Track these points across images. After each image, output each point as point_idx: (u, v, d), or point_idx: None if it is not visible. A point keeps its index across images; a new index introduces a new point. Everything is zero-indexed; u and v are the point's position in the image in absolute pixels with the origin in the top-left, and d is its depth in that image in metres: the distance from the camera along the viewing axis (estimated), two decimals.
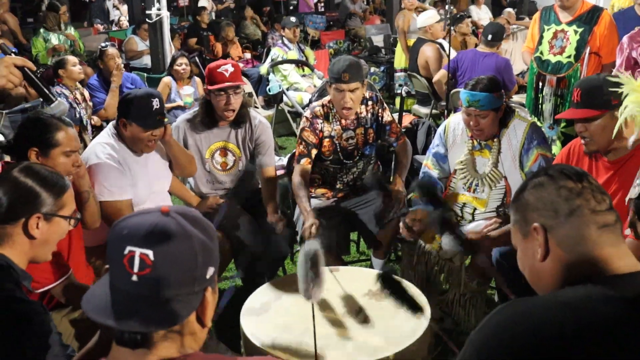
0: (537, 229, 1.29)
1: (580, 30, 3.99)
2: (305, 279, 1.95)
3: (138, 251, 1.12)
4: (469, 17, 7.57)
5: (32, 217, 1.76)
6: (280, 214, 3.14)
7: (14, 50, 2.09)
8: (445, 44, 5.59)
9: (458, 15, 6.91)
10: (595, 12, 4.01)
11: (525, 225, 1.32)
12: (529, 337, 1.08)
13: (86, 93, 5.21)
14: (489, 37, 5.48)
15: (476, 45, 5.95)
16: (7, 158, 2.49)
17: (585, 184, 1.28)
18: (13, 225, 1.75)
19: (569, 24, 4.04)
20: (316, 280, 1.93)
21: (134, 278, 1.12)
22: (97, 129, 5.11)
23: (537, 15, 4.31)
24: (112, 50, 5.59)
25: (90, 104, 5.24)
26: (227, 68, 3.09)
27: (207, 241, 1.18)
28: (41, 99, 4.87)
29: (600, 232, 1.24)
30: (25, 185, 1.78)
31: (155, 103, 2.79)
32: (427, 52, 6.13)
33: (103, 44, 5.85)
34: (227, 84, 3.08)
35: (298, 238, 3.27)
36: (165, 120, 2.87)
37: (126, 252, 1.12)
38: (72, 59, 5.05)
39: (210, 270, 1.19)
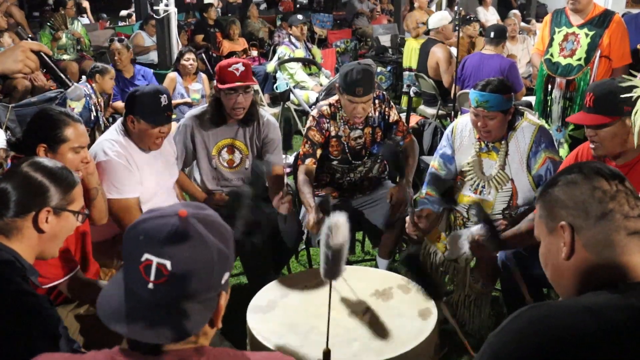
0: (565, 227, 1.25)
1: (591, 33, 3.98)
2: (326, 258, 1.83)
3: (155, 260, 1.10)
4: (477, 20, 7.55)
5: (42, 211, 1.76)
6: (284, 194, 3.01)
7: (30, 36, 2.08)
8: (455, 50, 5.60)
9: (467, 17, 6.90)
10: (606, 16, 3.99)
11: (552, 222, 1.28)
12: (550, 342, 1.06)
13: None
14: (492, 34, 5.50)
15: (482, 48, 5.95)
16: (12, 153, 2.49)
17: (621, 187, 1.24)
18: (23, 219, 1.75)
19: (580, 27, 4.03)
20: (336, 260, 1.82)
21: (150, 286, 1.10)
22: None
23: (548, 18, 4.30)
24: (117, 45, 5.71)
25: (112, 103, 5.34)
26: (238, 67, 3.09)
27: (224, 248, 1.16)
28: (47, 94, 4.93)
29: (630, 239, 1.21)
30: (35, 179, 1.78)
31: (164, 99, 2.79)
32: (437, 54, 6.12)
33: (110, 39, 5.96)
34: (237, 83, 3.07)
35: (304, 237, 3.28)
36: (174, 116, 2.86)
37: (143, 259, 1.11)
38: (113, 72, 5.17)
39: (226, 276, 1.18)
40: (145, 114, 2.78)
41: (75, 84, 2.17)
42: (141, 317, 1.11)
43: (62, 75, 2.07)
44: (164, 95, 2.80)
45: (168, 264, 1.10)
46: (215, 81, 3.19)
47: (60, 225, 1.81)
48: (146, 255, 1.11)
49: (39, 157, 1.95)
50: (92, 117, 4.83)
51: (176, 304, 1.11)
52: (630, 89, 2.06)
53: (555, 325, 1.09)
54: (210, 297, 1.15)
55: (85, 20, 11.66)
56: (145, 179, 2.88)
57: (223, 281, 1.17)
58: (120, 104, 5.46)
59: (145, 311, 1.11)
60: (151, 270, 1.10)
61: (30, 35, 2.16)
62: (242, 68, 3.10)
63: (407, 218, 2.90)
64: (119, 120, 2.95)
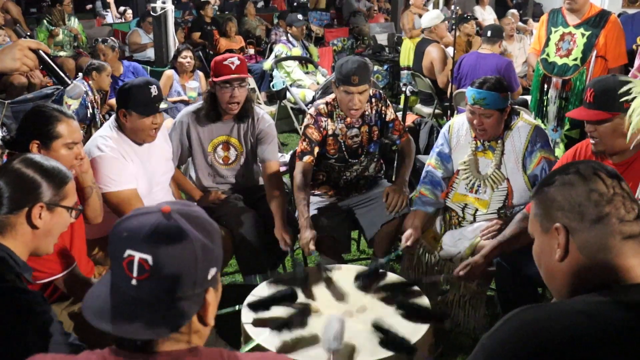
0: (559, 229, 1.24)
1: (587, 33, 3.98)
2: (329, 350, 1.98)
3: (137, 255, 1.10)
4: (475, 18, 7.55)
5: (35, 207, 1.76)
6: (287, 226, 3.05)
7: (28, 34, 2.07)
8: (451, 50, 5.60)
9: (465, 16, 6.91)
10: (603, 16, 4.00)
11: (547, 222, 1.27)
12: (544, 344, 1.06)
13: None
14: (488, 33, 5.50)
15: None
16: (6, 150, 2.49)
17: (618, 190, 1.23)
18: (16, 215, 1.75)
19: (577, 26, 4.03)
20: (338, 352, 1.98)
21: (134, 282, 1.11)
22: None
23: (544, 17, 4.30)
24: (101, 47, 5.74)
25: (108, 101, 5.34)
26: (234, 61, 3.09)
27: (208, 243, 1.16)
28: (43, 90, 4.92)
29: (624, 242, 1.20)
30: (27, 175, 1.78)
31: (154, 90, 2.79)
32: (432, 53, 6.12)
33: (96, 40, 6.03)
34: (232, 76, 3.07)
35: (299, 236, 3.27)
36: (165, 106, 2.88)
37: (125, 255, 1.11)
38: (109, 68, 5.18)
39: (212, 272, 1.17)
40: (137, 105, 2.78)
41: (75, 82, 2.17)
42: (125, 314, 1.11)
43: (61, 73, 2.07)
44: (154, 86, 2.81)
45: (149, 258, 1.10)
46: (210, 77, 3.19)
47: (53, 221, 1.81)
48: (128, 251, 1.11)
49: (31, 154, 1.95)
50: (89, 115, 4.82)
51: (160, 299, 1.11)
52: (629, 86, 2.05)
53: (550, 328, 1.08)
54: (196, 293, 1.15)
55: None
56: (140, 173, 2.87)
57: (210, 277, 1.17)
58: (113, 101, 5.47)
59: (130, 307, 1.12)
60: (134, 266, 1.11)
61: (28, 33, 2.16)
62: (237, 62, 3.11)
63: (406, 220, 2.92)
64: (113, 116, 2.95)
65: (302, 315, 2.23)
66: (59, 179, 1.84)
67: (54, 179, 1.82)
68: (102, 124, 4.93)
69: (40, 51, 1.95)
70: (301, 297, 2.39)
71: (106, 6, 12.35)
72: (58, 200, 1.82)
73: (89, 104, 4.89)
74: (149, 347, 1.14)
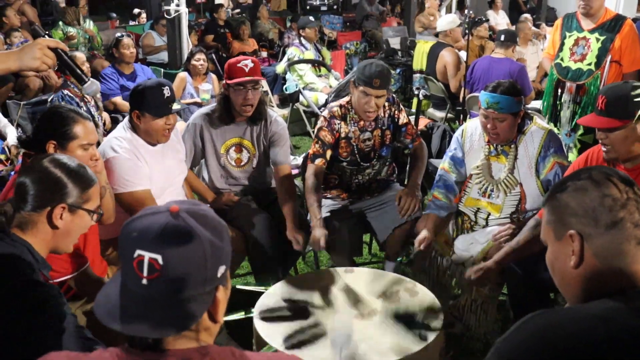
0: (574, 236, 1.23)
1: (602, 38, 3.95)
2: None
3: (147, 255, 1.11)
4: (487, 20, 7.53)
5: (57, 207, 1.79)
6: (299, 229, 3.03)
7: (47, 33, 2.10)
8: (464, 54, 5.59)
9: (477, 19, 6.89)
10: (618, 21, 3.97)
11: (561, 229, 1.26)
12: (560, 349, 1.06)
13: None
14: (502, 37, 5.48)
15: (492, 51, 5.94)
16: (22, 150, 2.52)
17: (631, 195, 1.22)
18: (39, 214, 1.78)
19: (591, 31, 4.01)
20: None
21: (144, 281, 1.12)
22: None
23: (559, 22, 4.29)
24: (127, 40, 5.72)
25: (100, 97, 5.30)
26: (247, 63, 3.11)
27: (217, 241, 1.17)
28: (57, 91, 4.94)
29: (639, 247, 1.20)
30: (54, 175, 1.81)
31: (167, 91, 2.82)
32: (446, 57, 6.11)
33: (119, 34, 5.98)
34: (246, 78, 3.09)
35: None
36: (178, 107, 2.90)
37: (135, 255, 1.12)
38: (81, 56, 5.06)
39: (221, 269, 1.18)
40: (150, 107, 2.81)
41: (92, 79, 2.21)
42: (136, 313, 1.12)
43: (78, 71, 2.10)
44: (167, 87, 2.83)
45: (159, 257, 1.11)
46: (224, 80, 3.21)
47: (74, 223, 1.84)
48: (138, 251, 1.12)
49: (59, 154, 1.97)
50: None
51: (171, 298, 1.12)
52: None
53: (564, 332, 1.08)
54: (207, 291, 1.16)
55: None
56: (153, 174, 2.90)
57: (219, 274, 1.18)
58: (119, 100, 5.53)
59: (140, 307, 1.13)
60: (144, 266, 1.11)
61: (47, 32, 2.20)
62: (251, 64, 3.12)
63: (418, 224, 2.92)
64: (126, 118, 2.98)
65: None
66: (84, 181, 1.86)
67: (80, 181, 1.85)
68: (99, 118, 4.94)
69: (59, 50, 1.97)
70: (314, 298, 2.40)
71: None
72: (81, 203, 1.85)
73: (79, 100, 4.77)
74: (159, 344, 1.15)
